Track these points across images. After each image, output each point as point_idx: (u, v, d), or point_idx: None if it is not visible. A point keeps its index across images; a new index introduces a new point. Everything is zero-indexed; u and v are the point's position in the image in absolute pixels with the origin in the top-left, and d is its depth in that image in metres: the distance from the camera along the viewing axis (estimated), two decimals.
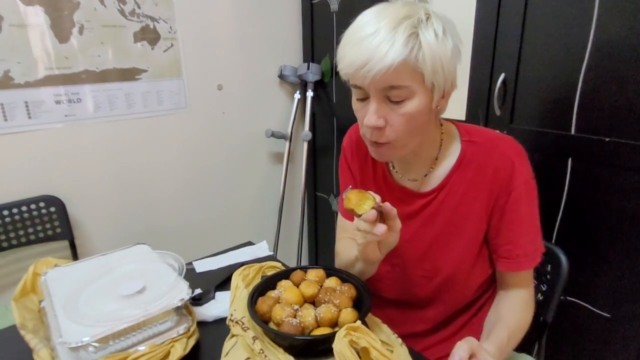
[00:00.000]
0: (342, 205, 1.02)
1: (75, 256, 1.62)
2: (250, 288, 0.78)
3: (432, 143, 0.84)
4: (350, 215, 0.95)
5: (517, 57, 1.25)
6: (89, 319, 0.71)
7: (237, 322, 0.73)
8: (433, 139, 0.84)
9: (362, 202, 0.67)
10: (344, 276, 0.81)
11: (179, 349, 0.72)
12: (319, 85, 2.08)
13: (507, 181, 0.79)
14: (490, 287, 0.95)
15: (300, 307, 0.73)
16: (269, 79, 2.08)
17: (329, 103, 2.08)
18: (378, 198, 0.69)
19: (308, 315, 0.68)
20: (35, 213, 1.54)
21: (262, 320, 0.70)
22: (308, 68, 1.99)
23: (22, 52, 1.44)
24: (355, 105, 0.77)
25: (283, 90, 2.14)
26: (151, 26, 1.69)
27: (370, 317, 0.79)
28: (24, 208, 1.52)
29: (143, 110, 1.75)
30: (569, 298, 1.26)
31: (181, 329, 0.77)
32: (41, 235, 1.56)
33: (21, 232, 1.52)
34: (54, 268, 0.88)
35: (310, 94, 2.05)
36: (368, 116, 0.72)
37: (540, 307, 1.05)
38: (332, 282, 0.79)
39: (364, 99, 0.74)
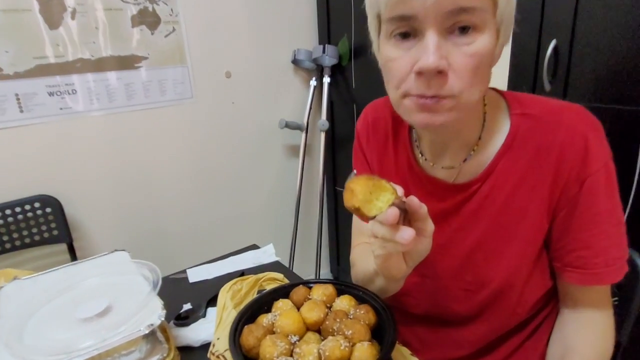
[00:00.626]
0: None
1: (74, 260, 1.50)
2: (240, 309, 0.60)
3: (477, 117, 0.64)
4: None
5: (572, 19, 1.02)
6: (32, 351, 0.56)
7: (218, 357, 0.56)
8: (478, 111, 0.64)
9: (374, 196, 0.45)
10: (361, 294, 0.63)
11: None
12: (336, 70, 1.90)
13: (580, 164, 0.58)
14: (549, 303, 0.75)
15: (301, 338, 0.55)
16: (281, 65, 1.91)
17: (348, 89, 1.89)
18: (400, 190, 0.49)
19: (309, 352, 0.50)
20: (30, 214, 1.42)
21: (249, 358, 0.52)
22: (324, 51, 1.81)
23: (9, 40, 1.33)
24: (392, 51, 0.54)
25: (297, 77, 1.97)
26: (150, 9, 1.54)
27: (395, 347, 0.60)
28: (17, 209, 1.40)
29: (144, 102, 1.61)
30: None
31: None
32: (37, 238, 1.44)
33: (15, 235, 1.41)
34: (13, 281, 0.74)
35: (327, 79, 1.88)
36: (426, 56, 0.49)
37: None
38: (344, 302, 0.60)
39: (407, 36, 0.53)
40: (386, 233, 0.48)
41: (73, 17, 1.41)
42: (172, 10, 1.58)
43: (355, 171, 0.49)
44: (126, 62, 1.54)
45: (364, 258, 0.73)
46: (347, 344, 0.51)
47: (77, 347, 0.55)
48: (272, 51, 1.86)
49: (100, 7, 1.45)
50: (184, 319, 0.76)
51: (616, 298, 0.85)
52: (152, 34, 1.56)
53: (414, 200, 0.50)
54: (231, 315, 0.63)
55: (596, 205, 0.59)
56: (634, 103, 0.95)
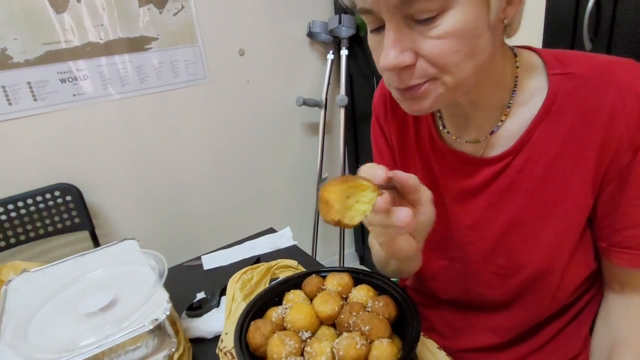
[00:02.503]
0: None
1: (97, 246, 1.51)
2: (248, 302, 0.55)
3: (500, 83, 0.56)
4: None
5: None
6: (35, 349, 0.54)
7: (226, 354, 0.51)
8: (501, 76, 0.56)
9: (353, 199, 0.39)
10: (380, 284, 0.57)
11: None
12: (354, 42, 1.80)
13: (634, 129, 0.50)
14: (593, 285, 0.67)
15: (313, 334, 0.50)
16: (296, 39, 1.82)
17: (368, 61, 1.79)
18: (379, 172, 0.42)
19: (321, 352, 0.45)
20: (50, 203, 1.43)
21: (257, 357, 0.48)
22: (340, 21, 1.71)
23: (17, 27, 1.30)
24: (371, 41, 0.52)
25: (314, 51, 1.88)
26: None
27: (420, 340, 0.54)
28: (38, 198, 1.41)
29: (157, 84, 1.57)
30: None
31: (160, 356, 0.58)
32: (59, 226, 1.45)
33: (38, 224, 1.42)
34: (21, 274, 0.72)
35: (344, 52, 1.78)
36: (384, 52, 0.46)
37: None
38: (362, 293, 0.54)
39: (379, 28, 0.49)
40: (381, 220, 0.44)
41: (79, 0, 1.37)
42: None
43: (326, 175, 0.44)
44: (136, 44, 1.50)
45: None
46: (364, 342, 0.45)
47: (79, 345, 0.53)
48: (286, 25, 1.78)
49: None
50: (196, 309, 0.73)
51: None
52: (160, 12, 1.51)
53: (398, 173, 0.45)
54: (240, 307, 0.59)
55: None
56: None
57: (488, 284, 0.67)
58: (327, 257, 2.17)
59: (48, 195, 1.42)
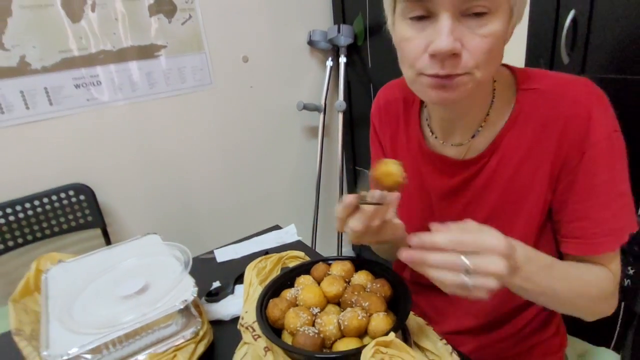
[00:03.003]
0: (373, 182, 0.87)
1: (108, 244, 1.59)
2: (265, 284, 0.65)
3: (488, 93, 0.66)
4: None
5: None
6: (82, 325, 0.62)
7: (247, 328, 0.61)
8: (489, 88, 0.66)
9: (393, 170, 0.56)
10: (377, 269, 0.66)
11: (183, 358, 0.62)
12: (352, 50, 1.90)
13: (582, 136, 0.59)
14: None
15: (322, 310, 0.59)
16: (297, 47, 1.92)
17: (364, 68, 1.89)
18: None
19: (329, 322, 0.54)
20: (65, 202, 1.51)
21: (274, 328, 0.57)
22: (339, 31, 1.81)
23: (35, 36, 1.38)
24: (407, 31, 0.55)
25: (314, 58, 1.97)
26: None
27: (410, 317, 0.64)
28: (54, 197, 1.49)
29: (166, 90, 1.66)
30: None
31: (188, 333, 0.67)
32: (73, 224, 1.53)
33: (53, 222, 1.50)
34: (58, 264, 0.81)
35: (343, 59, 1.88)
36: (439, 39, 0.51)
37: (627, 295, 0.85)
38: (362, 277, 0.64)
39: (422, 17, 0.54)
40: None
41: (93, 10, 1.45)
42: None
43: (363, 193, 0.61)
44: (146, 52, 1.58)
45: None
46: (364, 315, 0.55)
47: (120, 321, 0.61)
48: (288, 33, 1.87)
49: None
50: (214, 296, 0.82)
51: (631, 268, 0.87)
52: (170, 22, 1.60)
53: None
54: (257, 290, 0.68)
55: (596, 176, 0.60)
56: None
57: None
58: (325, 255, 2.26)
59: (62, 195, 1.50)
